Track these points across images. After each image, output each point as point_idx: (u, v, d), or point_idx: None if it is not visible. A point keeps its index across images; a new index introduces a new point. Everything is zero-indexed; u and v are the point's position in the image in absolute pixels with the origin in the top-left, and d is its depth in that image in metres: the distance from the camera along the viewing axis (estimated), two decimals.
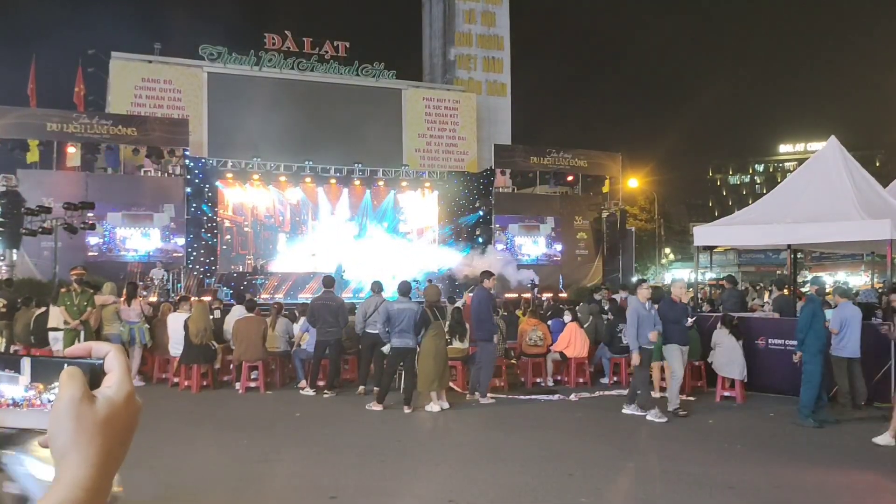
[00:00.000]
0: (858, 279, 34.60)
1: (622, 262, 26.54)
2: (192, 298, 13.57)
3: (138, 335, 11.74)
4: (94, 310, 10.87)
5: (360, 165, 24.97)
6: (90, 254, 20.53)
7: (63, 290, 11.32)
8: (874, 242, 11.74)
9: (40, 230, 17.31)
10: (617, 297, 14.76)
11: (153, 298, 17.14)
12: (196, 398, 10.65)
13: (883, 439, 7.86)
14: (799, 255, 30.65)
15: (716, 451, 7.66)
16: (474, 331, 10.42)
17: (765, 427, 8.95)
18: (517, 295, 19.90)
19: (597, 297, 15.82)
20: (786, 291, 13.63)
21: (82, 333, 10.64)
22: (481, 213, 25.81)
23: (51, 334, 10.91)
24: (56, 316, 10.85)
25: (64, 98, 28.35)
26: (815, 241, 12.11)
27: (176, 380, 11.42)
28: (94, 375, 0.83)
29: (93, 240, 20.67)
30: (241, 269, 23.52)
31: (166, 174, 23.32)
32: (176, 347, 11.33)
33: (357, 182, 25.02)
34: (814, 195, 11.57)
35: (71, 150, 22.45)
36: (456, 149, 31.46)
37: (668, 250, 52.01)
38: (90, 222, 18.30)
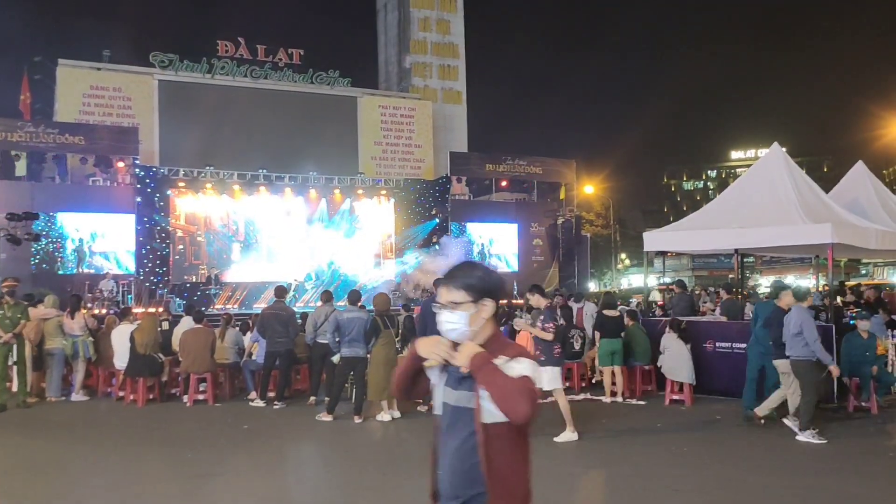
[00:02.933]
0: (807, 282, 35.39)
1: (578, 268, 26.79)
2: (135, 310, 13.29)
3: (82, 349, 11.44)
4: (27, 322, 10.54)
5: (315, 173, 24.77)
6: (34, 265, 20.02)
7: None
8: (818, 246, 11.99)
9: None
10: (578, 304, 14.77)
11: (102, 311, 16.77)
12: (141, 412, 10.40)
13: (564, 437, 8.25)
14: (750, 258, 31.24)
15: (663, 454, 7.73)
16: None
17: (711, 429, 9.07)
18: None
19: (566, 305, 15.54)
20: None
21: (15, 347, 10.32)
22: (437, 220, 25.81)
23: None
24: None
25: (9, 106, 27.72)
26: (759, 245, 12.31)
27: (121, 393, 11.17)
28: None
29: (39, 250, 20.17)
30: (194, 280, 23.15)
31: (116, 183, 22.90)
32: (121, 360, 11.07)
33: (312, 190, 24.80)
34: (758, 200, 11.77)
35: (16, 159, 21.91)
36: (412, 156, 31.44)
37: (623, 256, 52.64)
38: (34, 233, 17.87)
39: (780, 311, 8.87)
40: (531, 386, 2.37)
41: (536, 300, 9.11)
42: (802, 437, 8.21)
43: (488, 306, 2.53)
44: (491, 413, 2.39)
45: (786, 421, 8.59)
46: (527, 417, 2.30)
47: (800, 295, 8.80)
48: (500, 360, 2.43)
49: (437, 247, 24.96)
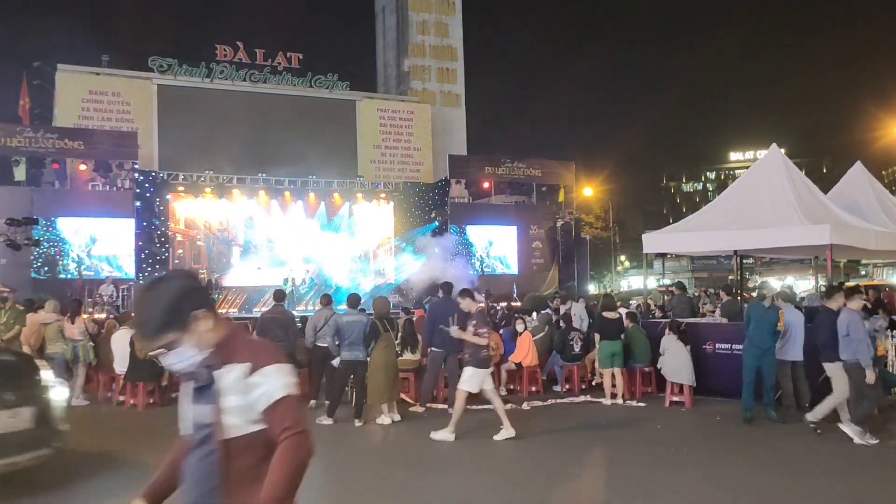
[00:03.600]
0: (807, 283, 35.40)
1: (577, 270, 26.81)
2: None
3: (82, 353, 11.44)
4: (21, 328, 10.53)
5: (314, 177, 24.82)
6: (35, 269, 20.03)
7: None
8: (817, 247, 12.00)
9: None
10: (565, 306, 14.85)
11: (102, 315, 16.78)
12: (141, 416, 10.41)
13: (440, 434, 8.34)
14: (749, 260, 31.25)
15: (662, 456, 7.73)
16: (449, 343, 10.19)
17: (711, 430, 9.08)
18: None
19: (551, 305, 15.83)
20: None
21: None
22: (437, 223, 25.83)
23: None
24: None
25: (9, 111, 27.76)
26: (758, 246, 12.31)
27: (121, 398, 11.16)
28: None
29: (40, 255, 20.19)
30: None
31: (115, 188, 22.94)
32: (121, 365, 11.07)
33: (311, 194, 24.84)
34: (757, 202, 11.78)
35: (16, 164, 21.95)
36: (411, 159, 31.50)
37: (623, 258, 52.66)
38: (34, 238, 17.90)
39: (828, 312, 8.58)
40: (292, 410, 2.09)
41: (467, 304, 9.06)
42: (845, 427, 8.06)
43: (200, 318, 2.16)
44: (235, 427, 2.10)
45: (841, 426, 8.24)
46: (312, 452, 2.08)
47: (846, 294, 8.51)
48: (234, 372, 2.12)
49: (435, 250, 24.99)
